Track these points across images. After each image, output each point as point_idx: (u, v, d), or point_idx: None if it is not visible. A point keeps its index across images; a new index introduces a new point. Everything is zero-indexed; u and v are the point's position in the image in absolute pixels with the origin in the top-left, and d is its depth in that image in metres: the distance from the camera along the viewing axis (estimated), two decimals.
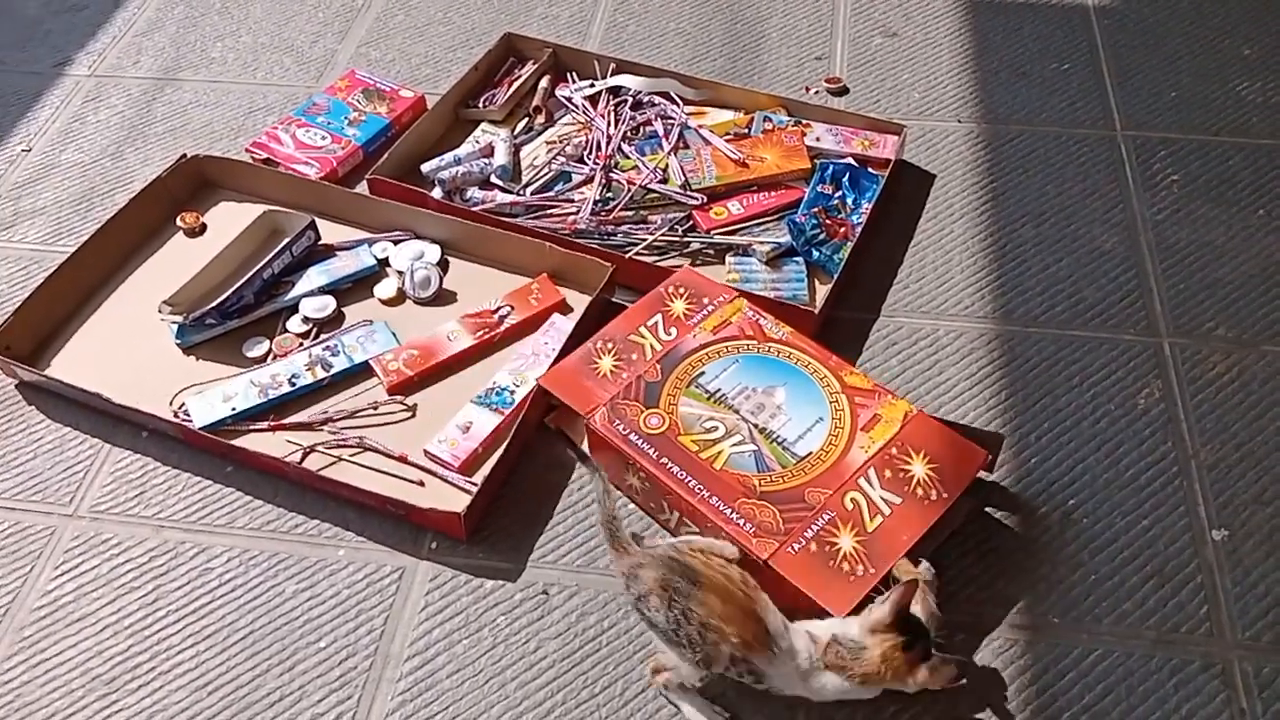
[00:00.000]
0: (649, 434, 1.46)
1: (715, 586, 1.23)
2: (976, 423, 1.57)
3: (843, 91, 2.14)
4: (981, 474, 1.48)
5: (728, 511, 1.37)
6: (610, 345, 1.58)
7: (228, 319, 1.73)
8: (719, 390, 1.52)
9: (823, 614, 1.29)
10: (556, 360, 1.61)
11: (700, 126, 2.02)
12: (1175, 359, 1.65)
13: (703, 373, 1.54)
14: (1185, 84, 2.13)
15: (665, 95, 2.09)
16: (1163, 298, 1.74)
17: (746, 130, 2.02)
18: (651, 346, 1.57)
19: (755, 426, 1.48)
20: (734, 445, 1.45)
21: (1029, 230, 1.85)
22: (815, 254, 1.80)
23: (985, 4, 2.34)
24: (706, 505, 1.38)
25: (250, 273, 1.74)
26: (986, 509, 1.48)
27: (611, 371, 1.54)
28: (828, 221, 1.83)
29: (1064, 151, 1.99)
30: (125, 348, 1.72)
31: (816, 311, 1.68)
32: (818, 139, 1.99)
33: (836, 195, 1.88)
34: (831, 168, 1.91)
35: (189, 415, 1.60)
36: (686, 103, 2.08)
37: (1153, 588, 1.40)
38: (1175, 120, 2.05)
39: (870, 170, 1.93)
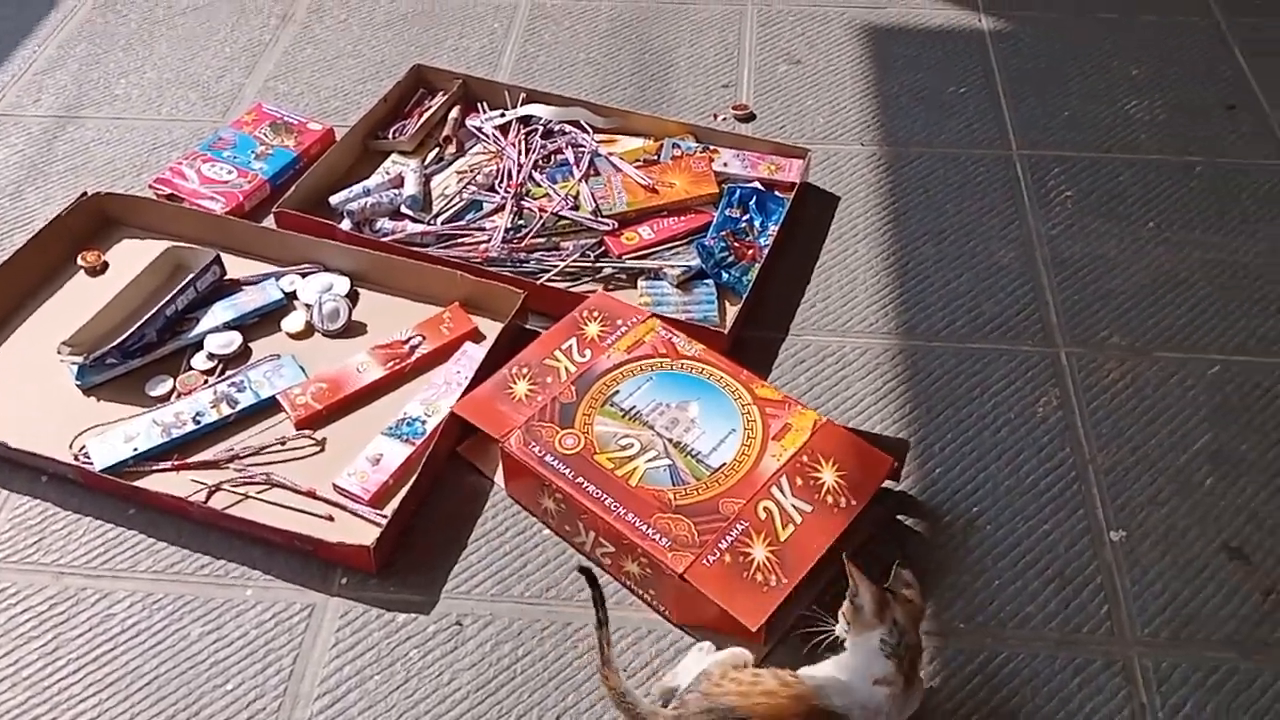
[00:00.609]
0: (564, 454, 1.47)
1: (767, 713, 1.15)
2: (886, 429, 1.60)
3: (749, 118, 2.18)
4: (889, 484, 1.51)
5: (644, 527, 1.38)
6: (525, 370, 1.58)
7: (130, 358, 1.70)
8: (634, 408, 1.53)
9: (734, 634, 1.31)
10: (469, 388, 1.61)
11: (610, 154, 2.04)
12: (1071, 368, 1.70)
13: (617, 391, 1.55)
14: (1077, 104, 2.21)
15: (575, 123, 2.11)
16: (1058, 309, 1.79)
17: (656, 157, 2.05)
18: (566, 369, 1.58)
19: (670, 441, 1.49)
20: (649, 461, 1.46)
21: (929, 248, 1.90)
22: (724, 276, 1.82)
23: (885, 31, 2.40)
24: (622, 522, 1.38)
25: (153, 310, 1.71)
26: (895, 517, 1.51)
27: (526, 396, 1.55)
28: (736, 244, 1.86)
29: (962, 171, 2.05)
30: (23, 390, 1.67)
31: (726, 332, 1.71)
32: (725, 164, 2.02)
33: (744, 219, 1.91)
34: (739, 192, 1.95)
35: (89, 458, 1.56)
36: (597, 131, 2.10)
37: (1054, 590, 1.43)
38: (1068, 139, 2.12)
39: (776, 194, 1.96)
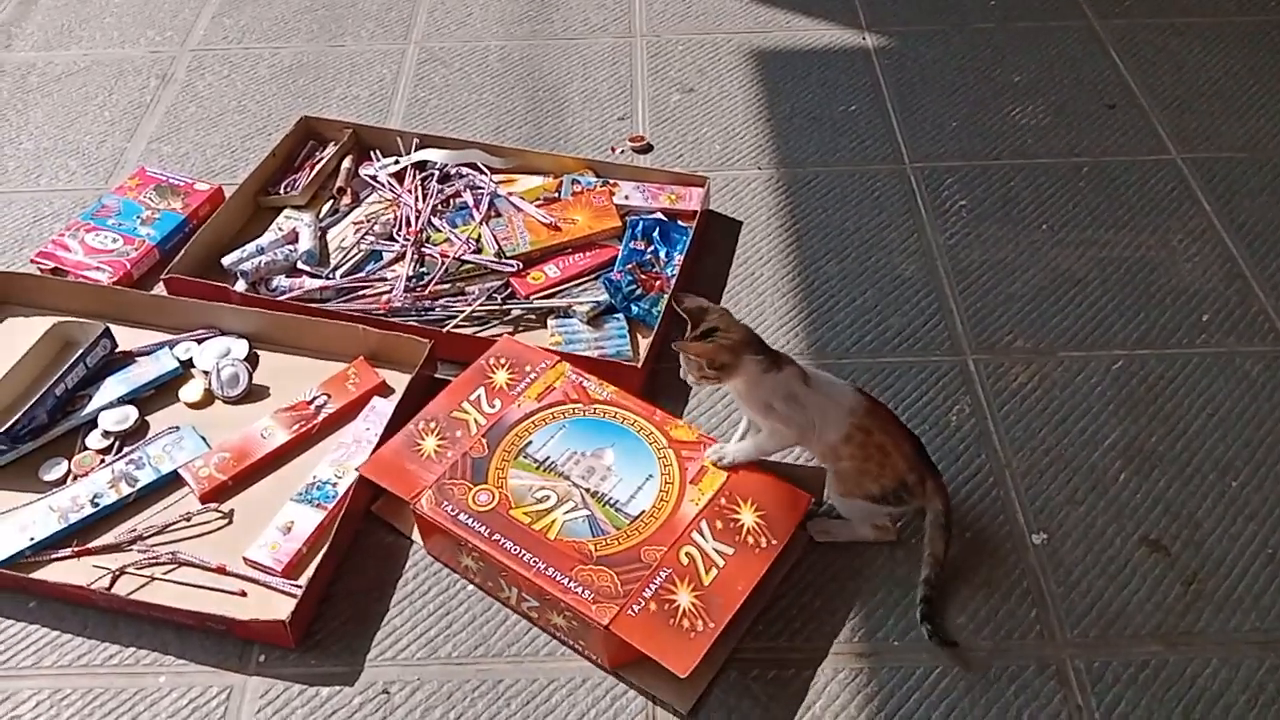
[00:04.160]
0: (479, 512, 1.43)
1: None
2: (801, 458, 1.59)
3: (647, 149, 2.19)
4: (810, 508, 1.50)
5: (565, 581, 1.35)
6: (433, 425, 1.54)
7: (20, 443, 1.62)
8: (548, 458, 1.50)
9: (668, 675, 1.29)
10: (379, 445, 1.56)
11: (510, 194, 2.02)
12: (980, 374, 1.72)
13: (530, 442, 1.52)
14: (964, 114, 2.25)
15: (472, 166, 2.08)
16: (963, 317, 1.81)
17: (556, 194, 2.03)
18: (476, 421, 1.55)
19: (587, 491, 1.46)
20: (567, 513, 1.44)
21: (833, 266, 1.91)
22: (634, 309, 1.81)
23: (772, 54, 2.43)
24: (543, 578, 1.35)
25: (42, 390, 1.64)
26: (817, 541, 1.50)
27: (436, 452, 1.51)
28: (643, 276, 1.85)
29: (859, 188, 2.07)
30: None
31: (640, 365, 1.69)
32: (626, 197, 2.01)
33: (649, 250, 1.91)
34: (642, 224, 1.94)
35: None
36: (495, 171, 2.08)
37: (983, 598, 1.44)
38: (958, 148, 2.17)
39: (679, 223, 1.96)
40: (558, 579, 1.35)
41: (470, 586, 1.47)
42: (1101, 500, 1.55)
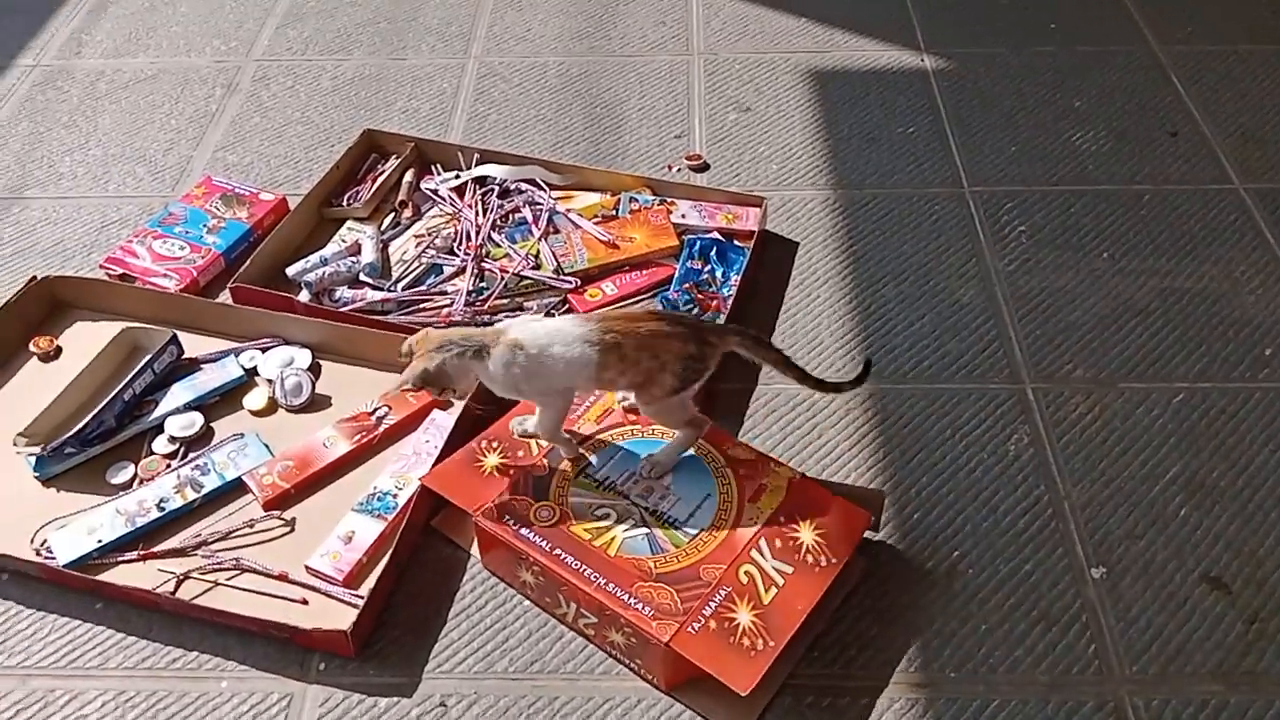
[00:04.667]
0: (540, 526, 1.44)
1: None
2: (859, 482, 1.60)
3: (704, 168, 2.20)
4: (868, 533, 1.50)
5: (625, 597, 1.36)
6: (495, 444, 1.56)
7: (88, 446, 1.65)
8: (607, 478, 1.51)
9: (724, 697, 1.29)
10: (439, 458, 1.58)
11: (568, 210, 2.04)
12: (1039, 403, 1.71)
13: (590, 462, 1.53)
14: (1023, 138, 2.24)
15: (531, 181, 2.10)
16: (1022, 345, 1.81)
17: (614, 212, 2.05)
18: (538, 443, 1.56)
19: (646, 509, 1.47)
20: (626, 530, 1.45)
21: (890, 289, 1.91)
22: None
23: (830, 74, 2.43)
24: (604, 593, 1.36)
25: (110, 395, 1.67)
26: (876, 567, 1.50)
27: (498, 469, 1.52)
28: (700, 296, 1.86)
29: (917, 211, 2.07)
30: None
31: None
32: (683, 216, 2.02)
33: (706, 270, 1.92)
34: (699, 243, 1.95)
35: (52, 552, 1.52)
36: (552, 188, 2.10)
37: (1040, 632, 1.43)
38: (1017, 173, 2.16)
39: (736, 243, 1.97)
40: (618, 595, 1.36)
41: (526, 602, 1.48)
42: (1161, 535, 1.54)
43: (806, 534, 1.43)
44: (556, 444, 1.53)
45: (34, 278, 1.87)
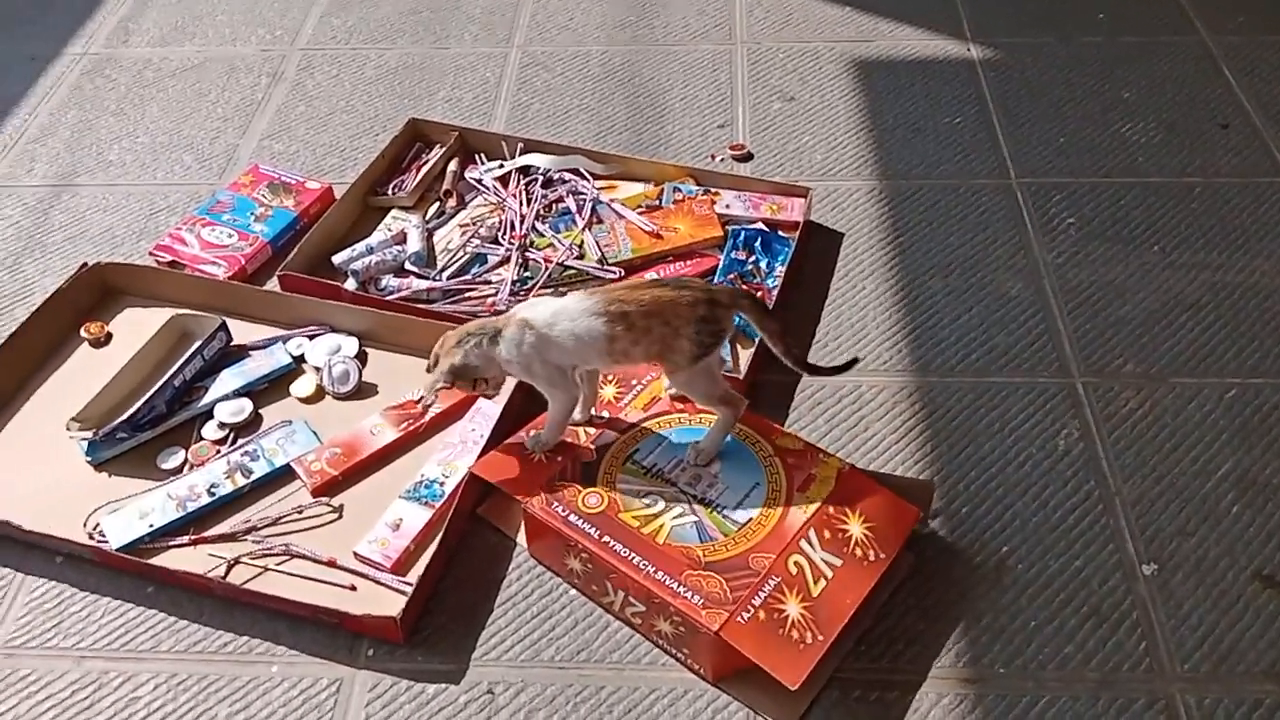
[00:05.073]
0: (589, 513, 1.45)
1: None
2: (906, 475, 1.59)
3: (747, 158, 2.19)
4: (916, 526, 1.49)
5: (675, 585, 1.36)
6: None
7: (140, 431, 1.67)
8: (655, 465, 1.52)
9: (770, 689, 1.29)
10: (486, 446, 1.59)
11: (612, 200, 2.04)
12: (1089, 398, 1.70)
13: (637, 449, 1.54)
14: (1072, 129, 2.22)
15: (575, 171, 2.10)
16: (1071, 339, 1.79)
17: (658, 202, 2.04)
18: (584, 431, 1.56)
19: (694, 497, 1.47)
20: (675, 518, 1.45)
21: (937, 281, 1.90)
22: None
23: (875, 64, 2.41)
24: (653, 581, 1.36)
25: (161, 381, 1.69)
26: (923, 561, 1.49)
27: (546, 455, 1.53)
28: (744, 286, 1.85)
29: (963, 202, 2.05)
30: (33, 470, 1.65)
31: (742, 377, 1.69)
32: (727, 206, 2.02)
33: (750, 260, 1.91)
34: (743, 233, 1.94)
35: (104, 536, 1.54)
36: (596, 178, 2.10)
37: (1091, 628, 1.42)
38: (1066, 165, 2.13)
39: (780, 233, 1.96)
40: (667, 583, 1.36)
41: (572, 591, 1.49)
42: (1214, 532, 1.52)
43: (855, 527, 1.42)
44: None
45: (85, 264, 1.90)
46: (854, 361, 1.57)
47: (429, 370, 1.48)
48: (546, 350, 1.43)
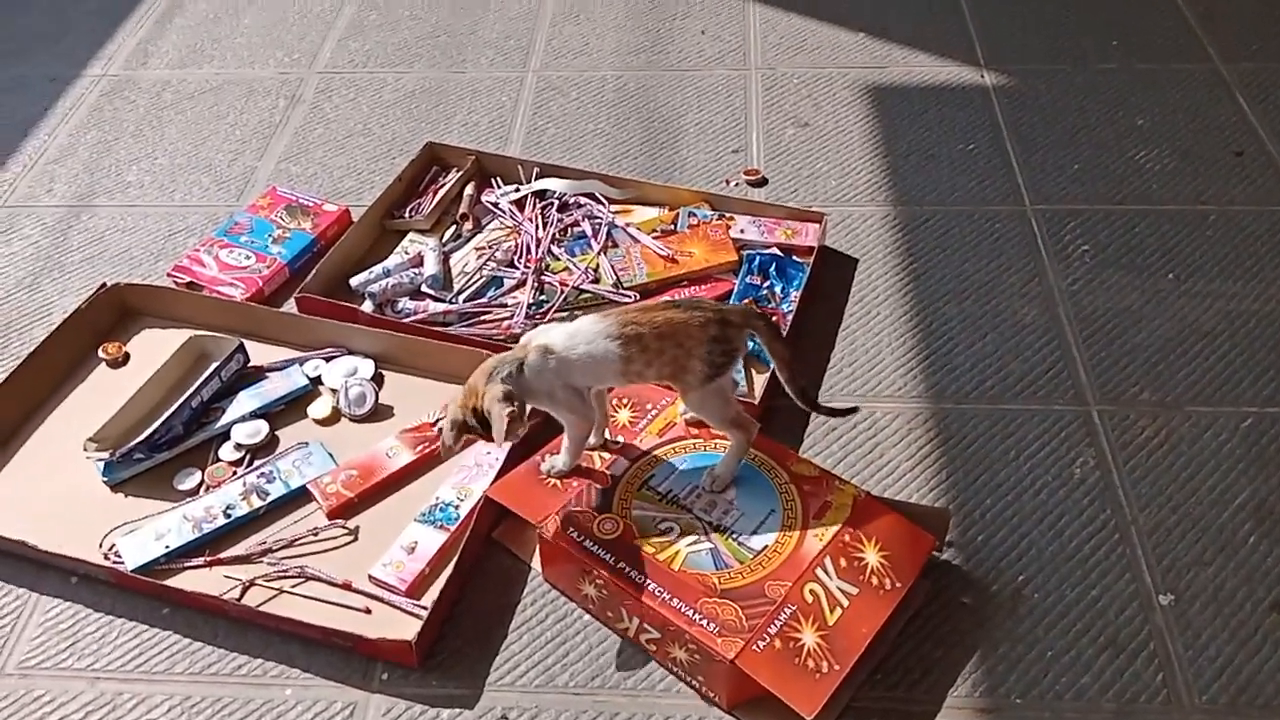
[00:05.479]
0: (604, 540, 1.45)
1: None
2: (921, 502, 1.58)
3: (762, 183, 2.20)
4: (933, 553, 1.49)
5: (690, 613, 1.36)
6: None
7: (157, 452, 1.68)
8: (670, 491, 1.52)
9: (785, 717, 1.28)
10: (501, 469, 1.59)
11: (627, 225, 2.05)
12: (1104, 426, 1.69)
13: (653, 475, 1.54)
14: (1086, 156, 2.22)
15: (590, 196, 2.11)
16: (1086, 366, 1.79)
17: (673, 226, 2.05)
18: (599, 456, 1.57)
19: (710, 524, 1.47)
20: (690, 545, 1.45)
21: (952, 308, 1.90)
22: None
23: (889, 90, 2.43)
24: (668, 608, 1.36)
25: (178, 402, 1.70)
26: (939, 589, 1.49)
27: (561, 481, 1.53)
28: (759, 311, 1.85)
29: (978, 229, 2.06)
30: (50, 489, 1.66)
31: (756, 402, 1.70)
32: (742, 231, 2.02)
33: (765, 285, 1.91)
34: (758, 258, 1.95)
35: (120, 557, 1.54)
36: (612, 202, 2.11)
37: (1108, 659, 1.41)
38: (1080, 192, 2.14)
39: (795, 259, 1.97)
40: (682, 610, 1.36)
41: (586, 616, 1.48)
42: (1231, 562, 1.51)
43: (871, 555, 1.42)
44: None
45: (104, 285, 1.91)
46: (854, 409, 1.60)
47: (440, 434, 1.45)
48: (568, 374, 1.43)
